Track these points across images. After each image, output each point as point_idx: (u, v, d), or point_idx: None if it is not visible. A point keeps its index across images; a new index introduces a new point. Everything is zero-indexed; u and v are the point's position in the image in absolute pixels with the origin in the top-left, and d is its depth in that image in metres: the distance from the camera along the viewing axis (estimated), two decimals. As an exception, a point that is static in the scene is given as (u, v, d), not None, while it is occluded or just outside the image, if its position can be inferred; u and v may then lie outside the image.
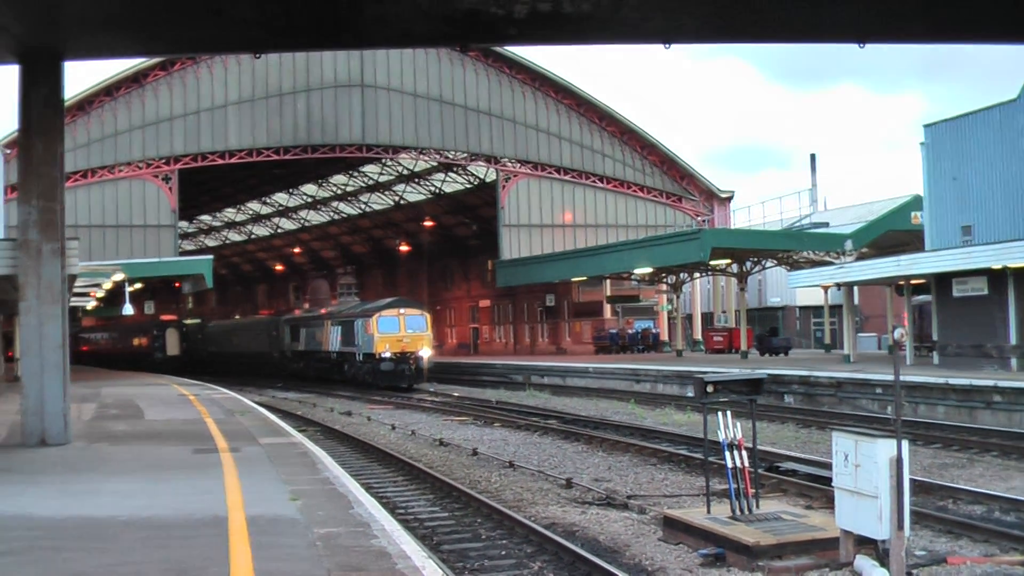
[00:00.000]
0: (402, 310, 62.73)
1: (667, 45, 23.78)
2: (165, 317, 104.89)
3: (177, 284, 79.89)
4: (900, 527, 14.26)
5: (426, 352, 61.88)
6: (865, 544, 15.03)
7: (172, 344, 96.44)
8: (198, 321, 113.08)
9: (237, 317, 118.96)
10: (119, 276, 47.39)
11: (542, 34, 24.02)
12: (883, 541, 14.50)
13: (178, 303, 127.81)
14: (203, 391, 48.20)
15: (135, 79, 73.70)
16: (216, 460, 21.05)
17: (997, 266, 40.68)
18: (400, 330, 61.18)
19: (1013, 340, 41.32)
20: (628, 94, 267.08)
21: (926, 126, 51.99)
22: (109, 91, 73.26)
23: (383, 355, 60.58)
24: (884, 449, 14.32)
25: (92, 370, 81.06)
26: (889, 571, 14.35)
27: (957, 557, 15.95)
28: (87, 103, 72.50)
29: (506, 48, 76.98)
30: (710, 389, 17.59)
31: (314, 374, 72.38)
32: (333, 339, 68.19)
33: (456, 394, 56.55)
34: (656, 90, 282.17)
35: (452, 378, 68.60)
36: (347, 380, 65.12)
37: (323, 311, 75.84)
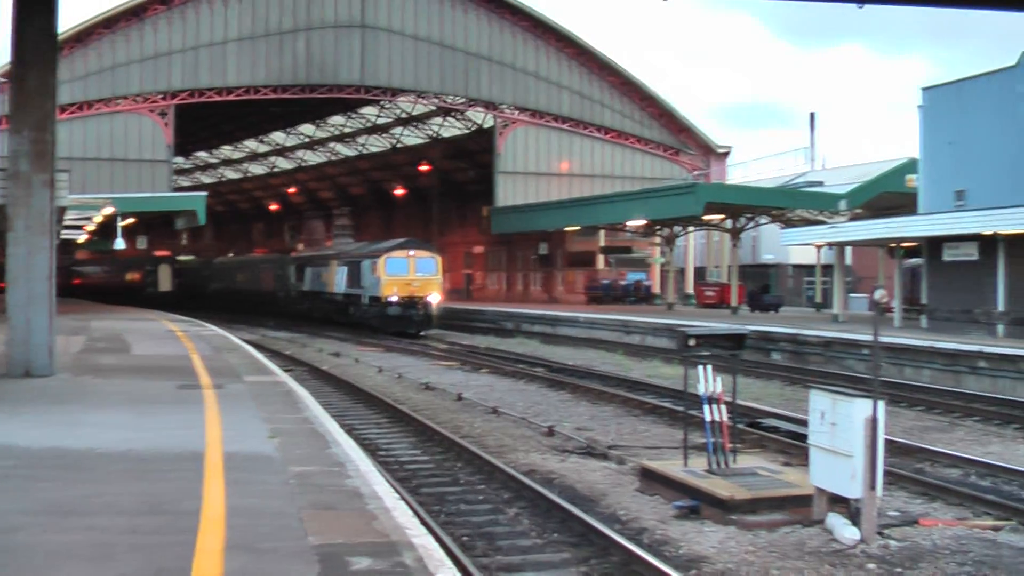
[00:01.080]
0: (412, 252, 60.29)
1: (666, -3, 23.72)
2: (159, 252, 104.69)
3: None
4: (872, 487, 14.36)
5: (435, 297, 59.93)
6: (838, 502, 15.13)
7: (164, 280, 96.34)
8: (192, 257, 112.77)
9: (232, 255, 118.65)
10: (109, 210, 47.31)
11: (540, -18, 23.92)
12: (855, 500, 14.59)
13: (173, 239, 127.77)
14: (192, 327, 48.21)
15: (135, 12, 73.49)
16: (199, 396, 21.10)
17: (988, 232, 40.72)
18: (409, 273, 59.13)
19: (1001, 306, 41.43)
20: (630, 47, 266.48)
21: (924, 89, 51.79)
22: (108, 24, 73.03)
23: (390, 299, 58.48)
24: (860, 409, 14.39)
25: (84, 303, 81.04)
26: (860, 530, 14.46)
27: (929, 519, 16.04)
28: (85, 35, 72.21)
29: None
30: (692, 342, 17.61)
31: (319, 316, 70.31)
32: (339, 280, 66.16)
33: (447, 339, 56.50)
34: (659, 44, 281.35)
35: (443, 323, 68.36)
36: (353, 324, 63.13)
37: (323, 250, 74.59)
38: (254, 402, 20.48)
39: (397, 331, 57.70)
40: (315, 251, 79.45)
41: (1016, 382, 33.14)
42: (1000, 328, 41.26)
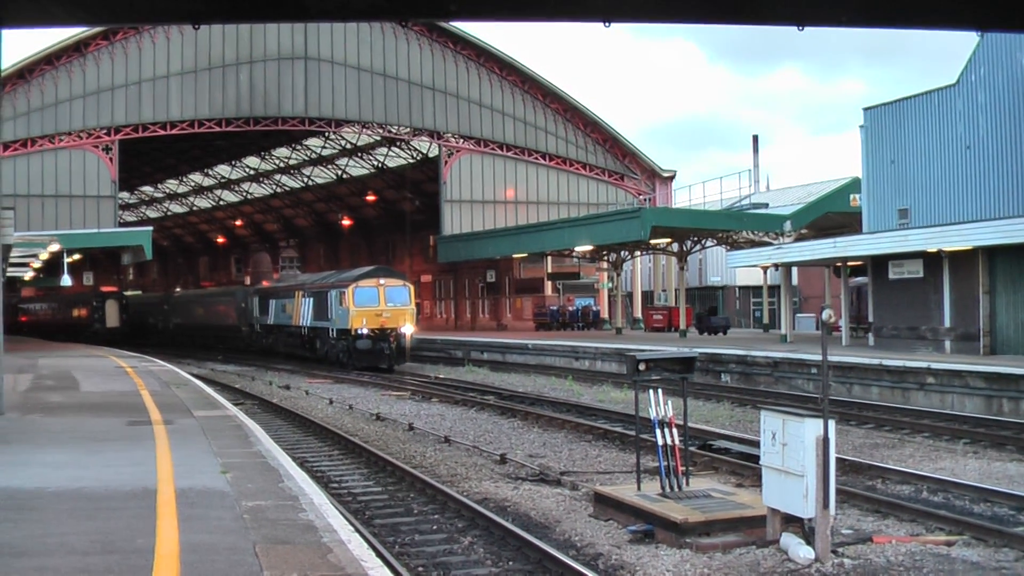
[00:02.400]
0: (382, 280, 56.39)
1: (607, 23, 23.71)
2: (105, 288, 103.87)
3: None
4: (825, 505, 14.43)
5: (408, 328, 56.34)
6: (792, 522, 15.19)
7: (112, 316, 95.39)
8: (139, 292, 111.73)
9: (179, 289, 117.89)
10: (55, 247, 46.93)
11: (483, 9, 23.96)
12: (809, 519, 14.67)
13: (119, 274, 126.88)
14: (141, 363, 47.90)
15: (77, 48, 73.13)
16: (149, 432, 20.97)
17: (932, 249, 41.05)
18: (379, 303, 55.36)
19: (947, 323, 41.76)
20: (572, 73, 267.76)
21: (865, 109, 52.31)
22: (50, 60, 72.66)
23: (360, 331, 54.87)
24: (811, 428, 14.48)
25: (31, 341, 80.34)
26: (814, 549, 14.53)
27: (883, 536, 16.14)
28: (28, 72, 71.81)
29: (451, 23, 76.79)
30: (642, 367, 17.68)
31: (284, 350, 67.25)
32: (304, 313, 62.46)
33: (395, 369, 56.17)
34: (600, 69, 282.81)
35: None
36: (320, 359, 60.01)
37: (287, 280, 72.65)
38: (205, 437, 20.37)
39: (367, 366, 54.79)
40: (279, 282, 75.68)
41: (964, 397, 33.40)
42: (947, 344, 41.59)
